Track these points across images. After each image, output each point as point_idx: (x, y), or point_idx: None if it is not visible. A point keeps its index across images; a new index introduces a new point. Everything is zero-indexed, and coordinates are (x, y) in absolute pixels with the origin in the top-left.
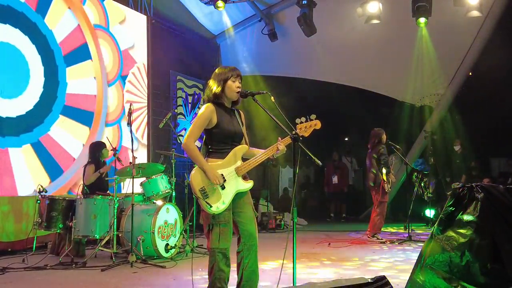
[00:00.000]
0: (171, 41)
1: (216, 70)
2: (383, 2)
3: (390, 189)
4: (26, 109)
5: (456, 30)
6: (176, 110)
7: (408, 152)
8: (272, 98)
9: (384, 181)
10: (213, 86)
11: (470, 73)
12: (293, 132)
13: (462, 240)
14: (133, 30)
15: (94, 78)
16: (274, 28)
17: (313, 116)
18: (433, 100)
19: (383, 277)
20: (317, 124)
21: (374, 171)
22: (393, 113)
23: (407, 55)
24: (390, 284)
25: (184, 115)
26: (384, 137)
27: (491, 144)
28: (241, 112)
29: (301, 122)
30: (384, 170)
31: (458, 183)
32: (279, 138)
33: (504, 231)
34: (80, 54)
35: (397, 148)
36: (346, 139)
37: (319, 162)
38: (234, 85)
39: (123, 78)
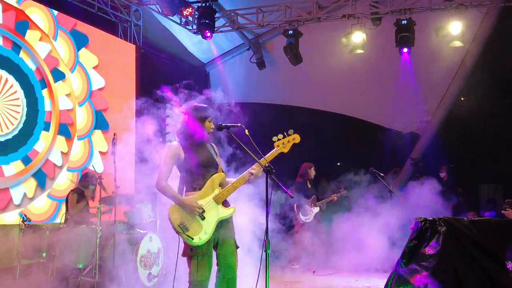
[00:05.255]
0: (160, 69)
1: (192, 107)
2: (367, 32)
3: (306, 220)
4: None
5: (440, 59)
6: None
7: (395, 179)
8: (246, 131)
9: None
10: (192, 126)
11: (462, 98)
12: (266, 165)
13: (425, 272)
14: (121, 59)
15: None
16: (262, 57)
17: (290, 131)
18: (420, 127)
19: None
20: (295, 138)
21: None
22: (379, 140)
23: (393, 83)
24: None
25: None
26: (309, 172)
27: (479, 170)
28: (212, 144)
29: (279, 139)
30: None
31: (420, 216)
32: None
33: (467, 263)
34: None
35: (381, 176)
36: (338, 164)
37: (291, 194)
38: (210, 126)
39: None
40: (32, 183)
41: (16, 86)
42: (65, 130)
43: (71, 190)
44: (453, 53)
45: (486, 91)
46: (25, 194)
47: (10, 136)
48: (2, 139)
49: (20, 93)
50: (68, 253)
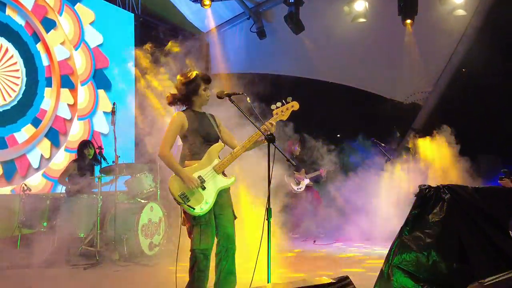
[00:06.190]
0: (159, 38)
1: (187, 75)
2: (370, 0)
3: (298, 189)
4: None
5: (442, 28)
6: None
7: (396, 149)
8: (248, 99)
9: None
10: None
11: (464, 69)
12: (268, 133)
13: (428, 240)
14: (120, 27)
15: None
16: (263, 26)
17: (289, 99)
18: (421, 97)
19: (346, 277)
20: (294, 105)
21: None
22: (381, 110)
23: (394, 53)
24: (353, 284)
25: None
26: (293, 149)
27: (478, 141)
28: (213, 115)
29: (277, 107)
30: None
31: (424, 184)
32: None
33: (471, 231)
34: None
35: (382, 146)
36: (339, 135)
37: (293, 162)
38: (205, 94)
39: (95, 77)
40: (46, 143)
41: (11, 48)
42: (67, 81)
43: (73, 160)
44: (456, 22)
45: (488, 58)
46: (42, 156)
47: (15, 102)
48: (8, 107)
49: (16, 54)
50: (69, 222)
